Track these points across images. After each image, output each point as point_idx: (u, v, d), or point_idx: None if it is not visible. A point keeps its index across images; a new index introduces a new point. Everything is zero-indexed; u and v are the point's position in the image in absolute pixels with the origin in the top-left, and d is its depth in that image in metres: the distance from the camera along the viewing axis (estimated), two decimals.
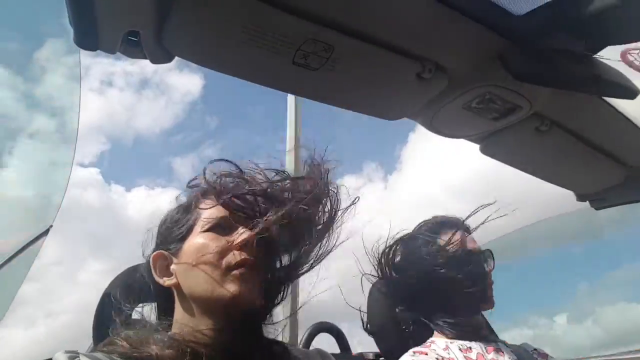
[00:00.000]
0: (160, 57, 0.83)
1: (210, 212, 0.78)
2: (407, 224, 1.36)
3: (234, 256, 0.72)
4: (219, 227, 0.77)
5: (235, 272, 0.71)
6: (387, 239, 1.32)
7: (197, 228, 0.78)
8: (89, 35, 0.74)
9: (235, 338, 0.72)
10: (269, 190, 0.79)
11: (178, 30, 0.78)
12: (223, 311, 0.72)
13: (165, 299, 0.80)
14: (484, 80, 1.01)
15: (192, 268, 0.74)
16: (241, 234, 0.74)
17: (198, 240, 0.76)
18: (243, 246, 0.73)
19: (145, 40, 0.79)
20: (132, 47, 0.80)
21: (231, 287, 0.70)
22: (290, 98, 3.56)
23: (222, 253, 0.73)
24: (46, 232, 1.53)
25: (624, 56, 0.62)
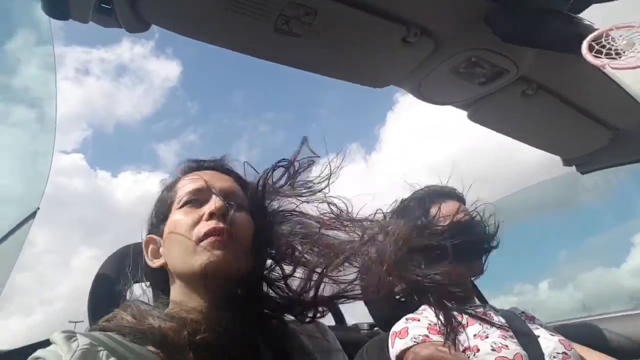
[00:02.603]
0: (136, 25, 0.80)
1: (185, 187, 0.77)
2: (387, 200, 1.35)
3: (204, 226, 0.71)
4: (193, 201, 0.75)
5: (205, 241, 0.69)
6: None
7: (175, 205, 0.77)
8: (59, 3, 0.70)
9: (227, 311, 0.71)
10: None
11: None
12: (201, 283, 0.71)
13: (160, 281, 0.80)
14: (471, 44, 1.00)
15: (171, 245, 0.73)
16: (212, 203, 0.73)
17: (174, 217, 0.75)
18: (212, 214, 0.71)
19: (119, 7, 0.76)
20: (105, 15, 0.77)
21: (202, 257, 0.69)
22: None
23: (193, 225, 0.72)
24: (33, 214, 1.52)
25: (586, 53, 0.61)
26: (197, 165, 0.83)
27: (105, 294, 0.87)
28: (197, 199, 0.75)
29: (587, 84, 1.17)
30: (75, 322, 1.01)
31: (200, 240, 0.70)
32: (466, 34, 0.97)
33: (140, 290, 0.83)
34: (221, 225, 0.70)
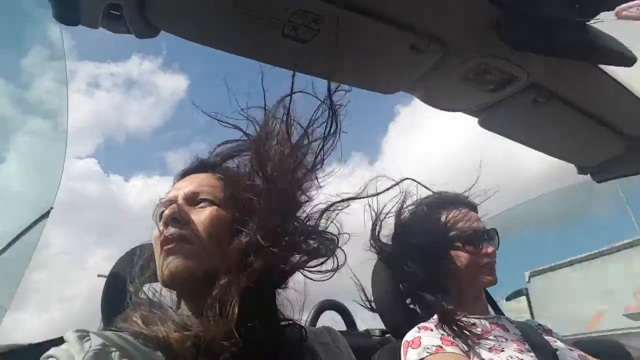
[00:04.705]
0: (145, 31, 0.81)
1: (161, 200, 0.77)
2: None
3: (161, 236, 0.71)
4: (162, 214, 0.74)
5: (163, 253, 0.70)
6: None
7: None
8: (69, 9, 0.71)
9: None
10: None
11: (161, 2, 0.76)
12: (177, 293, 0.73)
13: None
14: (480, 51, 0.99)
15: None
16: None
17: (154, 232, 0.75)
18: (165, 224, 0.71)
19: (128, 13, 0.77)
20: (114, 21, 0.78)
21: (162, 268, 0.69)
22: None
23: (158, 238, 0.72)
24: (47, 213, 1.57)
25: (619, 14, 0.62)
26: (183, 172, 0.83)
27: (118, 293, 0.88)
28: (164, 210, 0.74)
29: (600, 91, 1.15)
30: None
31: (160, 253, 0.70)
32: (475, 41, 0.97)
33: (152, 290, 0.83)
34: (172, 231, 0.70)
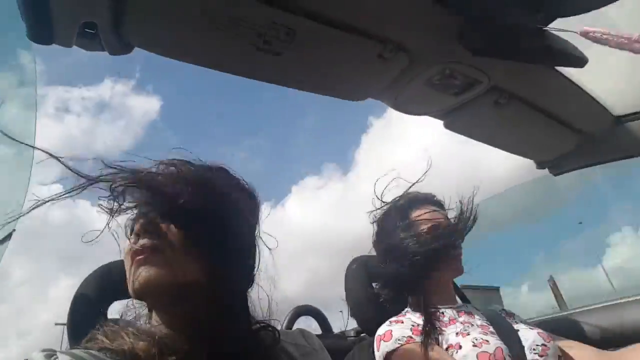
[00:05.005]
0: (119, 48, 0.81)
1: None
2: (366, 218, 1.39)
3: (132, 247, 0.70)
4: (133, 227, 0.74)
5: (134, 262, 0.69)
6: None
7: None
8: (43, 28, 0.70)
9: (191, 325, 0.69)
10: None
11: (136, 19, 0.76)
12: (148, 304, 0.73)
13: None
14: (444, 57, 1.04)
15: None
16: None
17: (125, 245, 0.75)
18: (136, 235, 0.71)
19: (103, 31, 0.76)
20: (89, 39, 0.77)
21: (133, 279, 0.69)
22: None
23: (129, 249, 0.71)
24: (9, 236, 1.51)
25: (585, 34, 0.68)
26: None
27: (85, 313, 0.86)
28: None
29: (556, 91, 1.23)
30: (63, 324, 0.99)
31: (131, 265, 0.70)
32: (439, 49, 1.01)
33: (123, 308, 0.82)
34: (143, 242, 0.69)
